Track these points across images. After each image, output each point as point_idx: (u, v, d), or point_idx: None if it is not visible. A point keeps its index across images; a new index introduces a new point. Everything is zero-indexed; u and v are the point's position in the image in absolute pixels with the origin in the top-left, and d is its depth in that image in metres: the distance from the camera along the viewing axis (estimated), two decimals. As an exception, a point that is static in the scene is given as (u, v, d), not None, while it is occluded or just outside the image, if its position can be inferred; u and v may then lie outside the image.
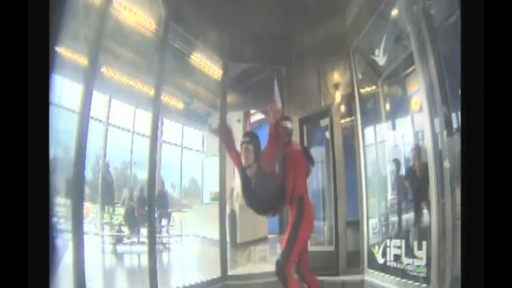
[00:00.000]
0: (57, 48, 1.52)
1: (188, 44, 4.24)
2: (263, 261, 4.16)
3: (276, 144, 2.23)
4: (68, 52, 3.13)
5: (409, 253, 2.78)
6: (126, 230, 5.20)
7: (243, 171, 2.31)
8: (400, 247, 2.92)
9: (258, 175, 2.25)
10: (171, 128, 6.22)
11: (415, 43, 2.70)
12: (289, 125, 2.65)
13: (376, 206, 3.40)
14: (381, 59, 3.31)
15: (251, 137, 2.33)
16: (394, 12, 3.05)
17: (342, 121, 3.83)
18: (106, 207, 5.30)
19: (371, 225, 3.40)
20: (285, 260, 2.27)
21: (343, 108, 3.85)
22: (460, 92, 1.25)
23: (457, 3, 1.68)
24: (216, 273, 3.43)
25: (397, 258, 2.93)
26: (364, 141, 3.56)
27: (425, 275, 2.58)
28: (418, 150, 2.87)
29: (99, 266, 4.15)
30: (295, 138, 4.05)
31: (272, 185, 2.28)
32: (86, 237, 2.34)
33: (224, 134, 2.39)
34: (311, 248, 3.81)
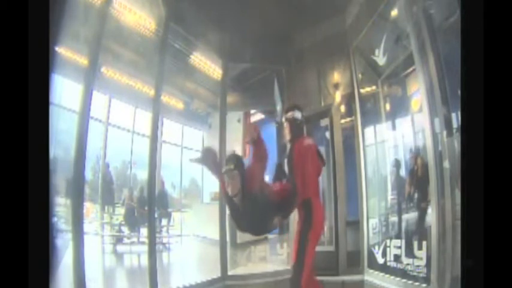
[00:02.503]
0: (57, 48, 1.52)
1: (188, 44, 4.24)
2: (263, 261, 4.16)
3: (258, 163, 2.09)
4: (68, 52, 3.13)
5: (409, 253, 2.78)
6: (126, 230, 5.20)
7: (229, 200, 2.10)
8: (400, 247, 2.92)
9: (247, 200, 2.04)
10: (171, 128, 6.21)
11: (415, 43, 2.70)
12: (298, 115, 2.42)
13: (376, 206, 3.40)
14: (380, 59, 3.31)
15: (235, 162, 2.06)
16: (394, 12, 3.05)
17: (342, 121, 3.83)
18: (106, 207, 5.30)
19: (371, 225, 3.40)
20: (299, 277, 2.10)
21: (343, 108, 3.84)
22: (460, 92, 1.25)
23: (457, 3, 1.68)
24: (216, 273, 3.43)
25: (397, 258, 2.93)
26: (364, 141, 3.56)
27: (425, 275, 2.58)
28: (418, 150, 2.87)
29: (99, 266, 4.14)
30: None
31: (264, 204, 2.07)
32: (86, 237, 2.34)
33: (208, 162, 2.16)
34: (311, 248, 3.83)
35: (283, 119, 2.47)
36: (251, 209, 2.06)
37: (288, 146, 2.41)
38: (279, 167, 2.59)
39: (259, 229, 2.26)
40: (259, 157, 2.09)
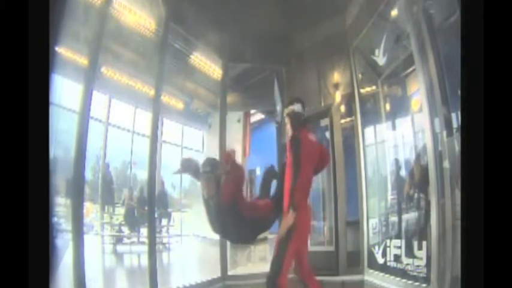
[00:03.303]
0: (57, 48, 1.52)
1: (188, 44, 4.24)
2: (263, 261, 4.17)
3: (232, 182, 2.11)
4: (68, 52, 3.13)
5: (409, 253, 2.77)
6: (126, 230, 5.20)
7: (205, 201, 2.17)
8: (400, 247, 2.92)
9: (220, 206, 2.11)
10: (171, 128, 6.22)
11: (415, 43, 2.70)
12: (299, 108, 2.33)
13: (376, 206, 3.40)
14: (381, 59, 3.31)
15: (211, 166, 2.15)
16: (394, 12, 3.05)
17: (342, 121, 3.83)
18: (106, 207, 5.31)
19: (371, 225, 3.40)
20: (277, 271, 2.06)
21: (343, 108, 3.85)
22: (460, 92, 1.25)
23: (457, 3, 1.69)
24: (216, 273, 3.43)
25: (397, 258, 2.93)
26: (364, 141, 3.56)
27: (425, 275, 2.58)
28: (418, 150, 2.87)
29: (99, 266, 4.15)
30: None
31: (236, 216, 2.12)
32: (86, 237, 2.33)
33: (189, 171, 2.26)
34: (311, 248, 3.82)
35: (285, 115, 2.40)
36: (223, 216, 2.12)
37: (288, 142, 2.28)
38: (266, 183, 2.57)
39: (230, 236, 2.33)
40: (233, 177, 2.13)
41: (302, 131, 2.27)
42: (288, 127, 2.37)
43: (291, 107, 2.35)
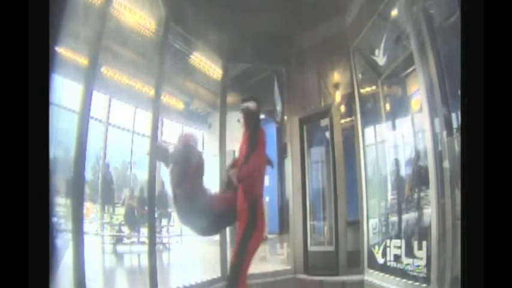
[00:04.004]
0: (57, 48, 1.52)
1: (188, 44, 4.24)
2: (263, 261, 4.16)
3: (194, 171, 2.21)
4: (68, 52, 3.13)
5: (409, 253, 2.78)
6: (126, 230, 5.20)
7: (172, 189, 2.28)
8: (400, 247, 2.92)
9: (184, 195, 2.20)
10: (171, 128, 6.21)
11: (415, 43, 2.70)
12: (252, 105, 2.36)
13: (376, 206, 3.40)
14: (381, 59, 3.31)
15: (176, 156, 2.30)
16: (394, 12, 3.05)
17: (342, 121, 3.83)
18: (106, 207, 5.31)
19: (371, 225, 3.40)
20: (235, 279, 2.04)
21: (343, 108, 3.85)
22: (460, 92, 1.25)
23: (457, 3, 1.68)
24: (216, 273, 3.43)
25: (397, 258, 2.93)
26: (364, 141, 3.56)
27: (425, 275, 2.58)
28: (418, 150, 2.87)
29: (99, 266, 4.15)
30: (295, 138, 4.09)
31: (198, 207, 2.18)
32: (86, 237, 2.33)
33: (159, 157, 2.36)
34: (311, 248, 3.84)
35: (239, 111, 2.40)
36: (186, 205, 2.19)
37: (244, 136, 2.32)
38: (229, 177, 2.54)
39: (195, 227, 2.34)
40: (195, 166, 2.22)
41: (258, 130, 2.32)
42: (243, 123, 2.39)
43: (244, 104, 2.36)
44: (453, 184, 2.37)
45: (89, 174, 4.94)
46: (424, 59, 2.62)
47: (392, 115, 3.27)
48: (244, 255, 2.08)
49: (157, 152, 2.40)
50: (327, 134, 3.86)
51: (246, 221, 2.13)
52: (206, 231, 2.44)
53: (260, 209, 2.19)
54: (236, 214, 2.22)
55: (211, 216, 2.24)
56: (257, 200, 2.18)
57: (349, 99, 3.76)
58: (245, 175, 2.15)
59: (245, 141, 2.28)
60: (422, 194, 2.75)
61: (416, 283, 2.65)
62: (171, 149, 2.38)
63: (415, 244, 2.72)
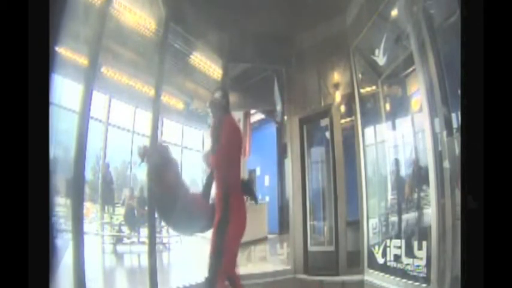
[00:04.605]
0: (57, 48, 1.52)
1: (188, 44, 4.24)
2: (263, 261, 4.17)
3: (168, 172, 2.24)
4: (68, 52, 3.12)
5: (409, 253, 2.77)
6: (126, 230, 5.20)
7: (150, 189, 2.35)
8: (400, 247, 2.92)
9: (161, 192, 2.24)
10: (171, 128, 6.21)
11: (415, 43, 2.70)
12: (218, 95, 2.33)
13: (376, 206, 3.40)
14: (381, 59, 3.31)
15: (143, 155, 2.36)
16: (394, 12, 3.05)
17: (342, 121, 3.83)
18: (106, 207, 5.30)
19: (371, 225, 3.40)
20: (214, 275, 1.97)
21: (343, 108, 3.85)
22: (460, 92, 1.25)
23: (457, 3, 1.68)
24: (216, 273, 3.42)
25: (397, 258, 2.93)
26: (364, 141, 3.56)
27: (425, 275, 2.58)
28: (418, 150, 2.87)
29: (99, 266, 4.14)
30: (295, 138, 4.09)
31: (173, 204, 2.18)
32: (86, 237, 2.34)
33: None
34: (311, 248, 3.84)
35: (207, 105, 2.38)
36: (162, 200, 2.22)
37: (214, 130, 2.29)
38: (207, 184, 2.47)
39: (169, 223, 2.40)
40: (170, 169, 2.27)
41: (224, 118, 2.26)
42: (211, 116, 2.38)
43: (212, 96, 2.35)
44: (453, 184, 2.37)
45: (89, 174, 4.93)
46: (424, 59, 2.62)
47: (392, 115, 3.27)
48: (220, 252, 2.00)
49: (141, 153, 2.42)
50: (327, 134, 3.86)
51: (219, 214, 2.07)
52: (188, 230, 2.48)
53: (236, 201, 2.12)
54: (207, 218, 2.21)
55: (190, 215, 2.24)
56: (230, 192, 2.11)
57: (349, 99, 3.76)
58: (214, 163, 2.18)
59: (211, 132, 2.29)
60: (422, 194, 2.75)
61: (416, 283, 2.65)
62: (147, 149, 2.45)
63: (415, 244, 2.72)
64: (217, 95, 2.33)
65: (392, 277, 2.93)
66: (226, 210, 2.07)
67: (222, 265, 2.01)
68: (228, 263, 2.07)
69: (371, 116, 3.54)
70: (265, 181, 7.87)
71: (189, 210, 2.25)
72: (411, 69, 2.85)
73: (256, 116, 7.49)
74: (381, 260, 3.14)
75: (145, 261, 2.91)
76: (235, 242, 2.15)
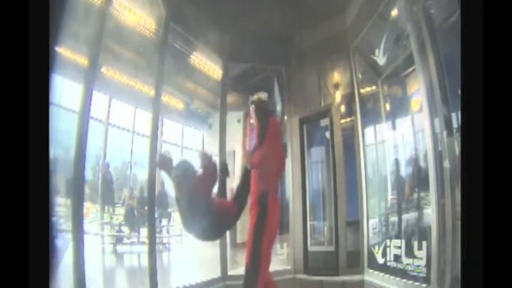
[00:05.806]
0: (57, 48, 1.52)
1: (188, 44, 4.24)
2: (263, 261, 4.15)
3: (202, 183, 2.12)
4: (68, 52, 3.12)
5: (409, 253, 2.78)
6: (126, 230, 5.20)
7: (177, 201, 2.19)
8: (400, 247, 2.92)
9: (192, 206, 2.13)
10: (171, 128, 6.21)
11: (415, 43, 2.70)
12: (264, 96, 2.38)
13: (376, 206, 3.40)
14: (381, 59, 3.31)
15: (183, 170, 2.15)
16: (394, 12, 3.05)
17: (342, 121, 3.83)
18: (106, 207, 5.30)
19: (371, 225, 3.40)
20: (254, 280, 1.98)
21: (343, 108, 3.85)
22: (460, 92, 1.25)
23: (457, 3, 1.68)
24: (216, 273, 3.43)
25: (397, 258, 2.93)
26: (364, 141, 3.56)
27: (425, 275, 2.58)
28: (418, 150, 2.87)
29: (99, 266, 4.14)
30: (295, 138, 4.09)
31: (208, 216, 2.11)
32: (86, 237, 2.33)
33: (163, 167, 2.25)
34: (311, 248, 3.84)
35: (249, 103, 2.36)
36: (194, 215, 2.11)
37: (258, 130, 2.28)
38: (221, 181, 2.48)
39: (201, 234, 2.30)
40: (208, 177, 2.16)
41: (270, 119, 2.28)
42: (253, 115, 2.35)
43: (256, 96, 2.35)
44: (453, 184, 2.37)
45: (89, 174, 4.93)
46: (424, 59, 2.62)
47: (392, 115, 3.27)
48: (259, 254, 2.00)
49: (161, 163, 2.27)
50: (327, 134, 3.86)
51: (256, 217, 2.08)
52: (207, 236, 2.44)
53: (273, 204, 2.13)
54: (234, 219, 2.23)
55: (212, 221, 2.19)
56: (268, 194, 2.13)
57: (349, 99, 3.76)
58: (256, 162, 2.14)
59: (255, 132, 2.28)
60: (422, 194, 2.75)
61: (416, 283, 2.65)
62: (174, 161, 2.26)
63: (415, 244, 2.72)
64: (264, 96, 2.37)
65: (392, 277, 2.93)
66: (264, 213, 2.07)
67: (260, 270, 2.01)
68: (265, 267, 2.07)
69: (371, 116, 3.54)
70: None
71: (216, 218, 2.20)
72: (411, 69, 2.86)
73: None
74: (381, 260, 3.14)
75: (145, 261, 2.91)
76: (270, 245, 2.15)
